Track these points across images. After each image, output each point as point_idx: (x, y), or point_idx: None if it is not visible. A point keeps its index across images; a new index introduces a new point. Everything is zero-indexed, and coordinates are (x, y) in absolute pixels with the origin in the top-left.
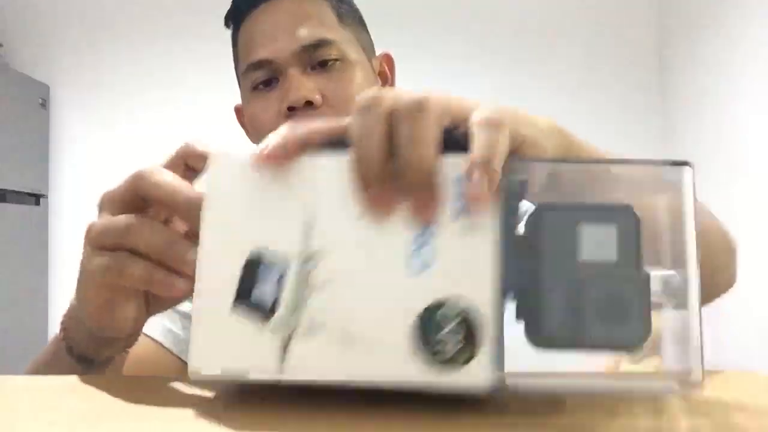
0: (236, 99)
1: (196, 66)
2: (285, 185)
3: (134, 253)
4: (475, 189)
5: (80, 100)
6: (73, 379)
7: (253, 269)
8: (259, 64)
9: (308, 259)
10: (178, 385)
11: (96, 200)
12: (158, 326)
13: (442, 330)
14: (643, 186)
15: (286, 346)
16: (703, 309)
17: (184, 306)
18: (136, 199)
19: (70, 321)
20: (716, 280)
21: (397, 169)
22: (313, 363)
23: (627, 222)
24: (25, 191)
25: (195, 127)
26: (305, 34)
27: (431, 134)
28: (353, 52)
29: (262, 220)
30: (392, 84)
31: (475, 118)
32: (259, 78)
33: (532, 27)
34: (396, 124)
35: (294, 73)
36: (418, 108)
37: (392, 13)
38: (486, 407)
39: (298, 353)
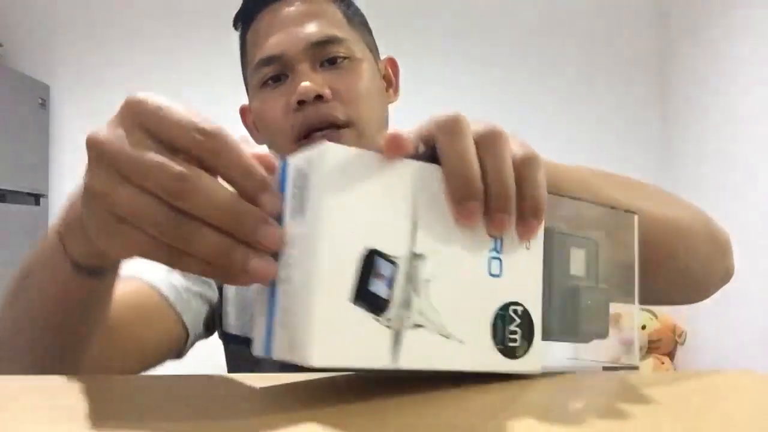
0: (237, 99)
1: (197, 67)
2: (390, 184)
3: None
4: (529, 227)
5: (80, 100)
6: (73, 380)
7: (369, 264)
8: (269, 60)
9: (414, 260)
10: (178, 384)
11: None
12: (164, 281)
13: (511, 326)
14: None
15: (398, 338)
16: (702, 304)
17: None
18: (189, 150)
19: (70, 236)
20: (707, 272)
21: (488, 191)
22: (421, 353)
23: (592, 248)
24: (25, 191)
25: None
26: (315, 30)
27: (510, 163)
28: (360, 52)
29: (373, 217)
30: (396, 87)
31: (517, 155)
32: (269, 74)
33: (532, 29)
34: (485, 152)
35: (303, 68)
36: (500, 139)
37: (392, 15)
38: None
39: (408, 345)
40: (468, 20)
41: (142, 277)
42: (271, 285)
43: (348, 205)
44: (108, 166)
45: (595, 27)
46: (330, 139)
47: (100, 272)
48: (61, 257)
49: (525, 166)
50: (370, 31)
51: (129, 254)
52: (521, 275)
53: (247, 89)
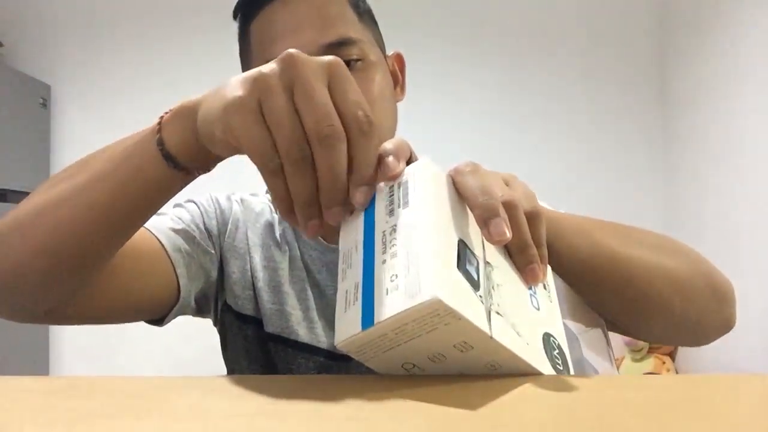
0: None
1: (197, 66)
2: (460, 198)
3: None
4: (536, 274)
5: (81, 99)
6: (73, 380)
7: (463, 250)
8: None
9: (487, 265)
10: (177, 384)
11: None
12: (170, 239)
13: (556, 351)
14: None
15: (489, 316)
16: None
17: (189, 228)
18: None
19: (172, 119)
20: (705, 323)
21: (513, 250)
22: (504, 336)
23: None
24: (26, 191)
25: None
26: (330, 31)
27: (527, 226)
28: (373, 52)
29: (459, 218)
30: (402, 85)
31: (527, 211)
32: None
33: (532, 29)
34: (513, 222)
35: None
36: (518, 208)
37: (392, 13)
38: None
39: (495, 324)
40: (467, 19)
41: (149, 228)
42: (365, 276)
43: (443, 202)
44: (290, 80)
45: (595, 27)
46: None
47: (177, 165)
48: (151, 140)
49: (532, 222)
50: (377, 25)
51: (242, 142)
52: (549, 313)
53: None
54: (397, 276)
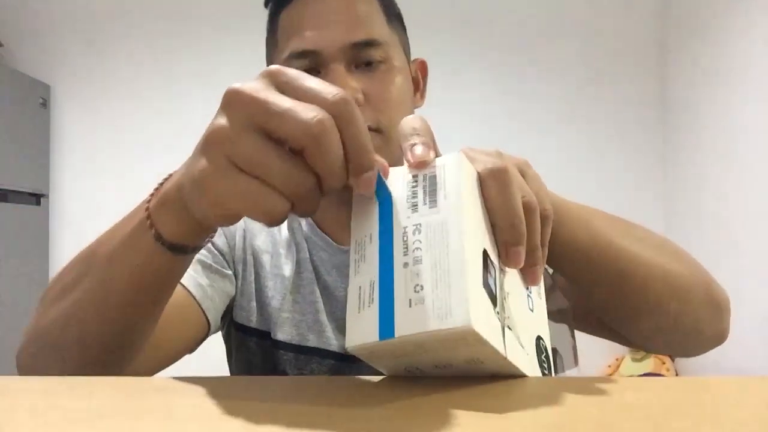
0: None
1: (197, 65)
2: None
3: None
4: (537, 276)
5: (81, 99)
6: (73, 380)
7: (486, 261)
8: (304, 54)
9: (501, 272)
10: (176, 385)
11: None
12: (191, 279)
13: (544, 355)
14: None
15: (503, 333)
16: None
17: (202, 255)
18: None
19: (160, 210)
20: (699, 332)
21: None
22: (514, 353)
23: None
24: (26, 191)
25: (195, 126)
26: (357, 31)
27: (539, 229)
28: (397, 56)
29: (484, 225)
30: (423, 91)
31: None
32: (300, 68)
33: (531, 29)
34: (528, 226)
35: (338, 68)
36: (534, 212)
37: None
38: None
39: (508, 342)
40: (467, 17)
41: None
42: (382, 276)
43: (474, 208)
44: (242, 110)
45: (596, 26)
46: None
47: (184, 250)
48: (146, 235)
49: (541, 222)
50: (405, 30)
51: (237, 205)
52: (539, 312)
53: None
54: (422, 287)
